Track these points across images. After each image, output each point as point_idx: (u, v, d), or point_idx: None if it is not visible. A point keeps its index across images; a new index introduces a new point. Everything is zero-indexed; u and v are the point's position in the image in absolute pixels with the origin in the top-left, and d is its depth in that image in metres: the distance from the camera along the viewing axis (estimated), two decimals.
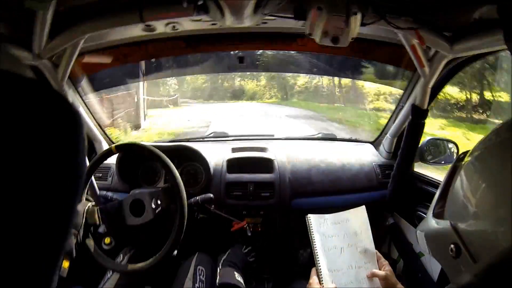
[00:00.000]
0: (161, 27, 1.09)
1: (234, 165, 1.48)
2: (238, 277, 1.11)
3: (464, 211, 0.45)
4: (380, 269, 0.88)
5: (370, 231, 0.93)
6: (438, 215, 0.53)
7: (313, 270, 0.87)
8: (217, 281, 1.10)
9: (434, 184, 1.35)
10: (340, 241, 0.91)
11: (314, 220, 0.92)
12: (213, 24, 1.12)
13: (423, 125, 1.27)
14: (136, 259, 1.17)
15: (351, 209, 0.97)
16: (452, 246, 0.45)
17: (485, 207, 0.42)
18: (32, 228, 0.26)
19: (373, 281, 0.86)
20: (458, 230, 0.45)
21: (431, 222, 0.54)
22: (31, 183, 0.26)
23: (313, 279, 0.85)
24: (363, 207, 0.97)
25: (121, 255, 1.30)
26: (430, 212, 0.56)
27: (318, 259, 0.87)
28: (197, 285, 1.05)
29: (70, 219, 0.31)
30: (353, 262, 0.89)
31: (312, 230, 0.91)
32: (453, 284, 0.43)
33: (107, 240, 1.20)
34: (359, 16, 0.83)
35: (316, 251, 0.88)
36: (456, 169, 0.50)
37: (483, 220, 0.41)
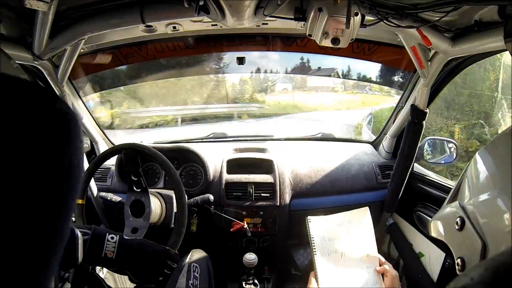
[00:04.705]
0: (161, 27, 1.09)
1: (233, 165, 1.48)
2: None
3: (471, 192, 0.53)
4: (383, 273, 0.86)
5: (374, 234, 0.90)
6: (450, 201, 0.62)
7: (312, 274, 0.85)
8: None
9: (434, 184, 1.36)
10: (341, 244, 0.88)
11: (314, 222, 0.89)
12: (213, 25, 1.12)
13: (422, 125, 1.28)
14: None
15: (354, 210, 0.93)
16: (458, 219, 0.52)
17: (485, 184, 0.50)
18: (23, 228, 0.26)
19: (376, 285, 0.84)
20: (465, 207, 0.52)
21: (444, 209, 0.61)
22: (25, 184, 0.25)
23: (312, 284, 0.83)
24: (367, 208, 0.94)
25: None
26: (444, 203, 0.64)
27: (317, 263, 0.84)
28: (191, 281, 1.04)
29: (65, 220, 0.30)
30: (354, 267, 0.86)
31: (311, 233, 0.88)
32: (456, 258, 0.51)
33: None
34: (359, 17, 0.83)
35: (315, 255, 0.85)
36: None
37: (486, 195, 0.48)
